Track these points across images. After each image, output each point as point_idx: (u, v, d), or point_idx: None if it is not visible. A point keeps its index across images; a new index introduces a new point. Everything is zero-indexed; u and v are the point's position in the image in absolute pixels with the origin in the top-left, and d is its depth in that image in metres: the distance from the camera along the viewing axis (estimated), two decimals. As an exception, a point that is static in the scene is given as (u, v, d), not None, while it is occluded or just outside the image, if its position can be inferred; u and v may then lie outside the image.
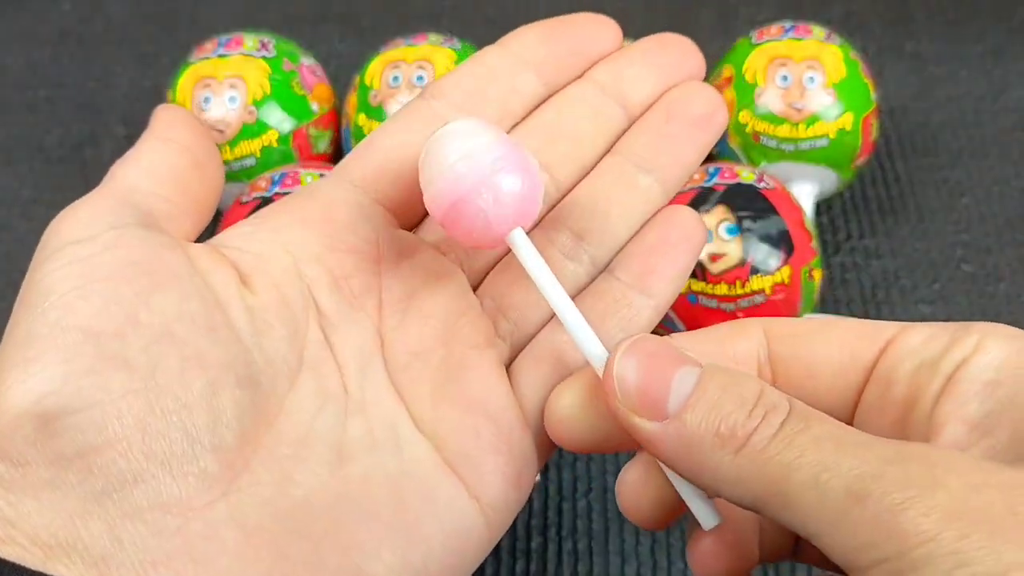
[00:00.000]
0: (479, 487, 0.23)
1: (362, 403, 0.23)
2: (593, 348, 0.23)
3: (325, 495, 0.22)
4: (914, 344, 0.21)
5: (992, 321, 0.22)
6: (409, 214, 0.26)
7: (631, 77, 0.27)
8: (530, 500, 0.40)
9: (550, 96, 0.27)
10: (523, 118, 0.27)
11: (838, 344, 0.22)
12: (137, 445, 0.20)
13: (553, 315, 0.25)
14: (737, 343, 0.23)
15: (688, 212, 0.26)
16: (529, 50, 0.27)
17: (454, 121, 0.23)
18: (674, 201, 0.27)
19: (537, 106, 0.27)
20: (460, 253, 0.26)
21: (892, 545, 0.17)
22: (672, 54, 0.28)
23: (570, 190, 0.27)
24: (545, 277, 0.23)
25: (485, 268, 0.27)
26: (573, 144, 0.27)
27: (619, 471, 0.23)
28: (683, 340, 0.23)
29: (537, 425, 0.24)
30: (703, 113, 0.27)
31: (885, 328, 0.22)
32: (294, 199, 0.26)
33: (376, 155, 0.26)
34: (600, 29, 0.28)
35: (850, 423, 0.22)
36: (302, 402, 0.22)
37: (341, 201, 0.25)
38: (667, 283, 0.25)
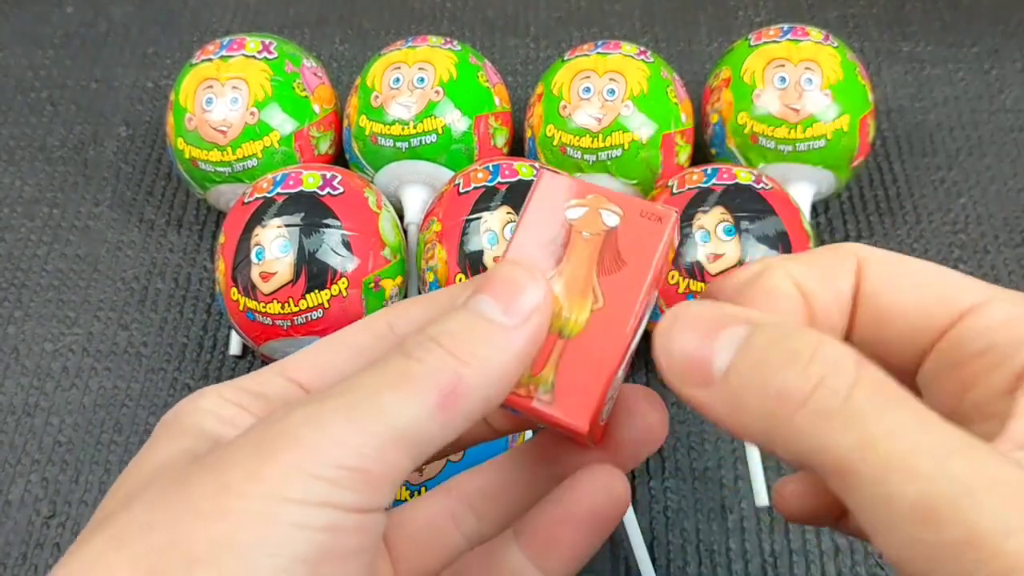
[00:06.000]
0: None
1: None
2: None
3: None
4: (991, 323, 0.19)
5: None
6: None
7: None
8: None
9: None
10: None
11: (915, 301, 0.20)
12: None
13: None
14: (838, 279, 0.21)
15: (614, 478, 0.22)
16: None
17: None
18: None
19: None
20: None
21: None
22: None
23: None
24: None
25: None
26: None
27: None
28: (790, 265, 0.21)
29: None
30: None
31: (968, 291, 0.20)
32: None
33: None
34: None
35: (912, 381, 0.20)
36: None
37: None
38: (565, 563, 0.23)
